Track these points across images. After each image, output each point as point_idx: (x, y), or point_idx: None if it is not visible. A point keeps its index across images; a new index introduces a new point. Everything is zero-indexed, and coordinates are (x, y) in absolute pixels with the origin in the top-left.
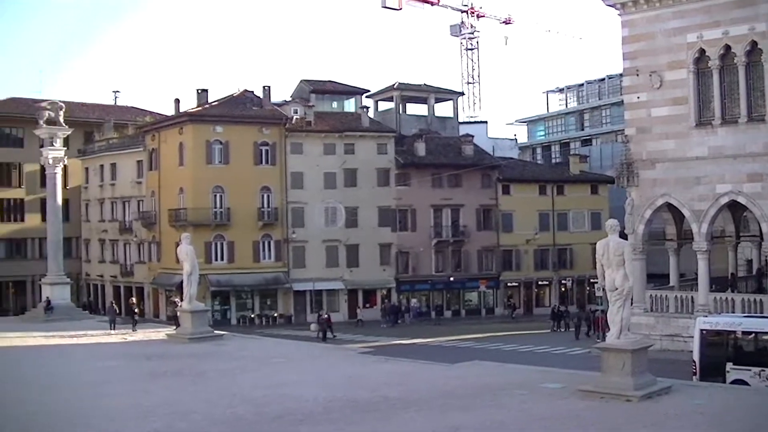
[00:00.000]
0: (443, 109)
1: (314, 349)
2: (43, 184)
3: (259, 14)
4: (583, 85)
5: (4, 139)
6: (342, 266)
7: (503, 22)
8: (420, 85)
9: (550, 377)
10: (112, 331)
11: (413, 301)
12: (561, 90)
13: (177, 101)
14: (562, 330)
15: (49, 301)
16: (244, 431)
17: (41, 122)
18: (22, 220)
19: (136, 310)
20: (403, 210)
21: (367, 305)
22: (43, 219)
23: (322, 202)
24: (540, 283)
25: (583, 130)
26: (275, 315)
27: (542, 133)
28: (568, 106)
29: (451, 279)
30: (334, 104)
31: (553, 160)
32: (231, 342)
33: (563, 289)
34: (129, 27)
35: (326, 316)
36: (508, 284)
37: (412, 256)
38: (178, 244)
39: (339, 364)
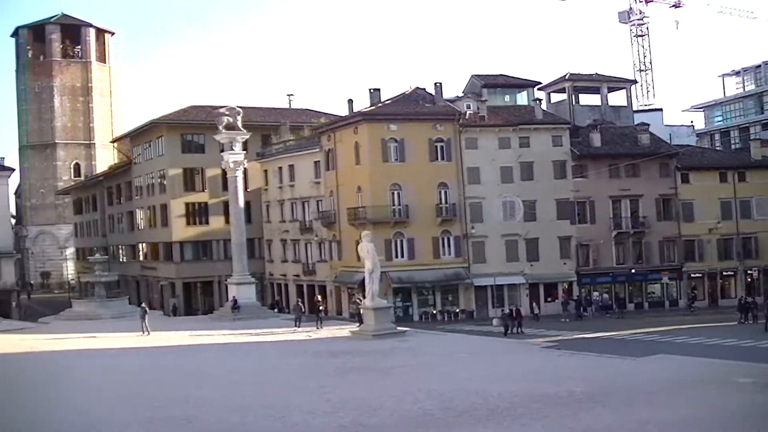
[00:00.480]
0: (616, 99)
1: (497, 344)
2: (225, 187)
3: (428, 11)
4: (760, 66)
5: (187, 145)
6: (522, 260)
7: (673, 5)
8: (592, 74)
9: (741, 371)
10: (298, 329)
11: (595, 294)
12: (737, 73)
13: (350, 101)
14: (750, 322)
15: (235, 301)
16: (431, 426)
17: (221, 128)
18: (207, 222)
19: (321, 308)
20: (581, 202)
21: (549, 299)
22: (227, 221)
23: (500, 196)
24: (724, 273)
25: (763, 113)
26: (457, 311)
27: (720, 118)
28: (746, 89)
29: (633, 271)
30: (507, 98)
31: (733, 146)
32: (414, 338)
33: (749, 279)
34: (301, 31)
35: (512, 311)
36: (692, 275)
37: (592, 249)
38: (358, 243)
39: (523, 359)
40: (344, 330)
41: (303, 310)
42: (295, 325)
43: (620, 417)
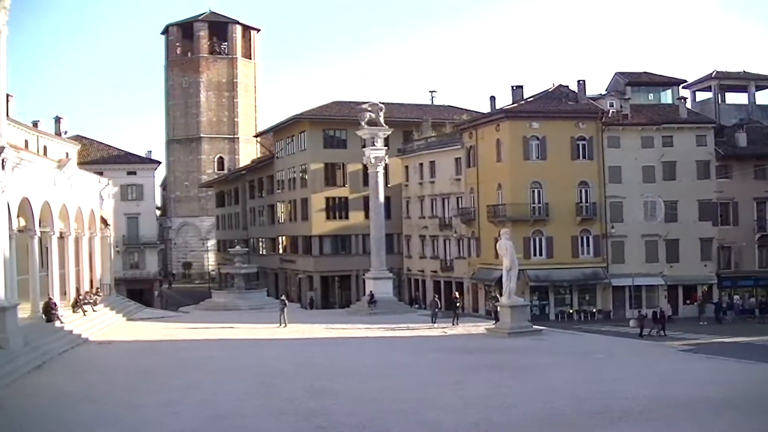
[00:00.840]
0: (765, 97)
1: (633, 346)
2: (366, 182)
3: (572, 8)
4: None
5: (329, 140)
6: (662, 261)
7: None
8: (739, 72)
9: None
10: (434, 325)
11: (735, 297)
12: None
13: (492, 98)
14: None
15: (372, 295)
16: (562, 427)
17: (363, 123)
18: (347, 217)
19: (458, 305)
20: (724, 203)
21: (687, 301)
22: (367, 216)
23: (641, 196)
24: None
25: None
26: (593, 310)
27: None
28: None
29: None
30: (650, 96)
31: None
32: (549, 337)
33: None
34: (444, 28)
35: (655, 312)
36: None
37: (734, 251)
38: (497, 240)
39: (659, 362)
40: (480, 327)
41: (439, 306)
42: (431, 321)
43: (759, 425)
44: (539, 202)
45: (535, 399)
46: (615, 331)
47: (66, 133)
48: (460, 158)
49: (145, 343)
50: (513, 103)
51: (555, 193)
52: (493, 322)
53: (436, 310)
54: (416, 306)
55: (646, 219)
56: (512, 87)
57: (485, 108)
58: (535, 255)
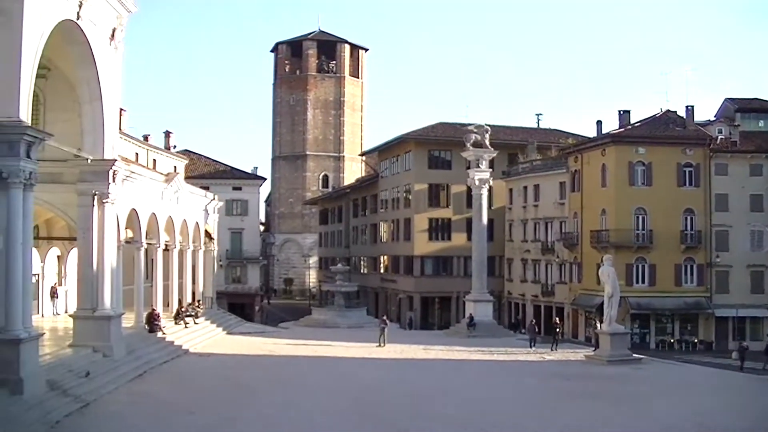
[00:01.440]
0: None
1: (735, 378)
2: (469, 204)
3: (680, 33)
4: None
5: (434, 161)
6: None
7: None
8: None
9: None
10: (532, 350)
11: None
12: None
13: (599, 123)
14: None
15: (471, 318)
16: None
17: (468, 145)
18: (449, 238)
19: (557, 330)
20: None
21: None
22: (469, 238)
23: (748, 225)
24: None
25: None
26: (695, 341)
27: None
28: None
29: None
30: (761, 123)
31: None
32: (649, 366)
33: None
34: (551, 51)
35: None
36: None
37: None
38: (599, 266)
39: (760, 396)
40: (579, 354)
41: (538, 330)
42: (530, 346)
43: None
44: (643, 229)
45: (629, 428)
46: (716, 363)
47: (175, 147)
48: (564, 182)
49: (244, 357)
50: (620, 128)
51: (659, 219)
52: (593, 349)
53: (535, 334)
54: (516, 330)
55: (752, 249)
56: (619, 111)
57: (591, 132)
58: (637, 282)
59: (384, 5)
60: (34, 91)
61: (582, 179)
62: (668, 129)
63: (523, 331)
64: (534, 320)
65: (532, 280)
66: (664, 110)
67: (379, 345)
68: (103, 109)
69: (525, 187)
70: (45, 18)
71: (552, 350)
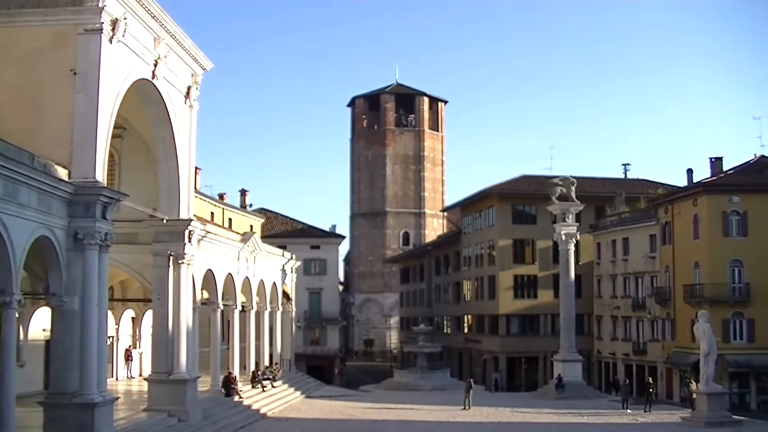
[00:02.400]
0: None
1: None
2: (556, 260)
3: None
4: None
5: (518, 216)
6: None
7: None
8: None
9: None
10: (626, 411)
11: None
12: None
13: (689, 171)
14: None
15: (560, 378)
16: None
17: (553, 198)
18: (535, 296)
19: (651, 390)
20: None
21: None
22: (556, 295)
23: None
24: None
25: None
26: None
27: None
28: None
29: None
30: None
31: None
32: (750, 429)
33: None
34: (636, 99)
35: None
36: None
37: None
38: (693, 322)
39: None
40: (674, 415)
41: (631, 391)
42: (622, 407)
43: None
44: (740, 282)
45: None
46: None
47: (251, 206)
48: (654, 235)
49: (324, 421)
50: (711, 176)
51: (757, 272)
52: (689, 410)
53: (628, 395)
54: (613, 391)
55: None
56: (710, 159)
57: (682, 181)
58: (734, 339)
59: (463, 56)
60: (109, 152)
61: (673, 231)
62: (764, 176)
63: (614, 391)
64: (627, 380)
65: (623, 338)
66: (758, 156)
67: (464, 408)
68: (178, 169)
69: (613, 241)
70: (120, 78)
71: (646, 411)
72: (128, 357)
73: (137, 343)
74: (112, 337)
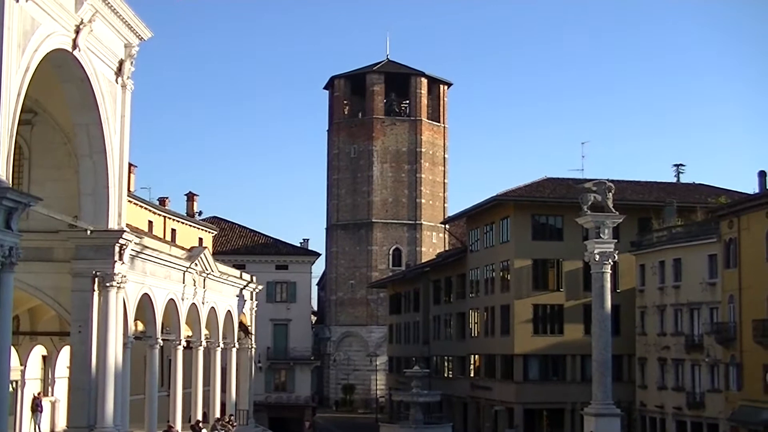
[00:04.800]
0: None
1: None
2: (587, 286)
3: None
4: None
5: (539, 230)
6: None
7: None
8: None
9: None
10: None
11: None
12: None
13: (762, 174)
14: None
15: None
16: None
17: (585, 208)
18: (561, 331)
19: None
20: None
21: None
22: (587, 331)
23: None
24: None
25: None
26: None
27: None
28: None
29: None
30: None
31: None
32: None
33: None
34: (691, 86)
35: None
36: None
37: None
38: (766, 368)
39: None
40: None
41: None
42: None
43: None
44: None
45: None
46: None
47: (200, 214)
48: (715, 255)
49: None
50: None
51: None
52: None
53: None
54: None
55: None
56: None
57: (751, 188)
58: None
59: (470, 27)
60: (15, 142)
61: (739, 251)
62: None
63: None
64: None
65: (674, 386)
66: None
67: None
68: (106, 165)
69: (662, 263)
70: (30, 48)
71: None
72: (36, 407)
73: (49, 388)
74: (16, 381)
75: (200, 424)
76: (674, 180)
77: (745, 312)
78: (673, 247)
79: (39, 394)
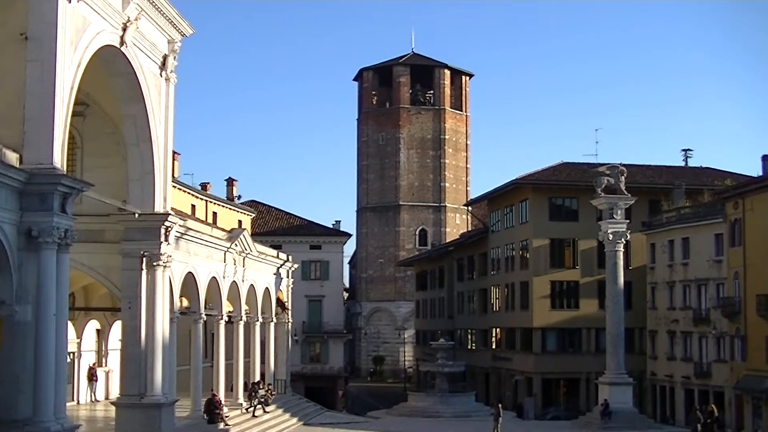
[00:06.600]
0: None
1: None
2: (601, 264)
3: None
4: None
5: (556, 211)
6: None
7: None
8: None
9: None
10: None
11: None
12: None
13: (765, 158)
14: None
15: (606, 405)
16: None
17: (599, 190)
18: (576, 306)
19: (715, 416)
20: None
21: None
22: (601, 306)
23: None
24: None
25: None
26: None
27: None
28: None
29: None
30: None
31: None
32: None
33: None
34: (697, 74)
35: None
36: None
37: None
38: None
39: None
40: None
41: (702, 420)
42: None
43: None
44: None
45: None
46: None
47: (239, 198)
48: (721, 234)
49: None
50: None
51: None
52: None
53: (696, 426)
54: (663, 420)
55: None
56: None
57: (755, 170)
58: None
59: (490, 21)
60: (69, 133)
61: (744, 230)
62: None
63: (671, 422)
64: (698, 407)
65: (683, 357)
66: None
67: None
68: (152, 153)
69: (671, 242)
70: (82, 45)
71: None
72: (92, 377)
73: (103, 360)
74: (73, 352)
75: (256, 386)
76: (683, 164)
77: (749, 287)
78: (682, 227)
79: (94, 364)
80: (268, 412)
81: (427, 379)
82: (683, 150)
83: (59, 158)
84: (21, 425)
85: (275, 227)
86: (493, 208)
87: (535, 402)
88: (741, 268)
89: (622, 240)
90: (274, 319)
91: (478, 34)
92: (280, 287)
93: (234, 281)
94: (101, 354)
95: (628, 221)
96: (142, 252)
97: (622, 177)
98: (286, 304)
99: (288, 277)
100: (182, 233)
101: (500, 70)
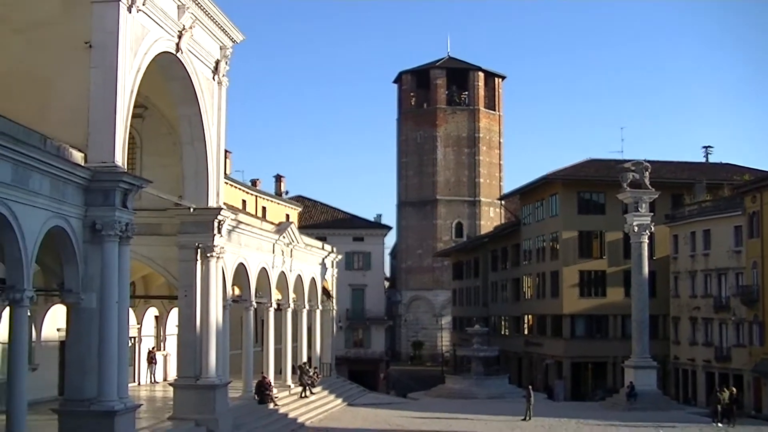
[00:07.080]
0: None
1: None
2: (627, 254)
3: None
4: None
5: (584, 205)
6: None
7: None
8: None
9: None
10: (718, 425)
11: None
12: None
13: None
14: None
15: (632, 387)
16: None
17: (624, 185)
18: (604, 294)
19: (736, 398)
20: None
21: None
22: (627, 294)
23: None
24: None
25: None
26: None
27: None
28: None
29: None
30: None
31: None
32: None
33: None
34: (717, 75)
35: None
36: None
37: None
38: None
39: None
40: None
41: (721, 401)
42: (714, 422)
43: None
44: None
45: None
46: None
47: (287, 193)
48: (740, 226)
49: None
50: None
51: None
52: None
53: (717, 407)
54: (686, 402)
55: None
56: None
57: None
58: None
59: (522, 26)
60: (129, 133)
61: (762, 222)
62: None
63: (693, 402)
64: (719, 389)
65: (704, 342)
66: None
67: (525, 419)
68: (206, 152)
69: (693, 233)
70: (141, 51)
71: (730, 427)
72: (151, 360)
73: (161, 344)
74: (134, 337)
75: (305, 366)
76: (704, 160)
77: (766, 276)
78: (703, 219)
79: (153, 348)
80: (314, 393)
81: (463, 363)
82: (704, 147)
83: (120, 157)
84: (87, 404)
85: (320, 221)
86: (525, 202)
87: (564, 385)
88: (759, 258)
89: (647, 232)
90: (320, 307)
91: (511, 39)
92: (325, 277)
93: (282, 271)
94: (160, 339)
95: (652, 214)
96: (196, 244)
97: (647, 172)
98: (330, 292)
99: (332, 267)
100: (234, 226)
101: (531, 73)
